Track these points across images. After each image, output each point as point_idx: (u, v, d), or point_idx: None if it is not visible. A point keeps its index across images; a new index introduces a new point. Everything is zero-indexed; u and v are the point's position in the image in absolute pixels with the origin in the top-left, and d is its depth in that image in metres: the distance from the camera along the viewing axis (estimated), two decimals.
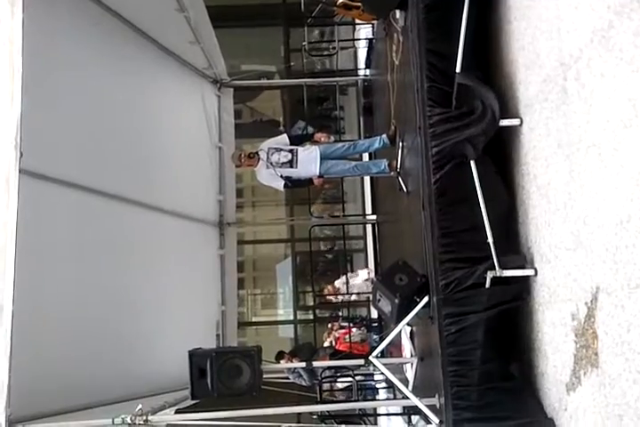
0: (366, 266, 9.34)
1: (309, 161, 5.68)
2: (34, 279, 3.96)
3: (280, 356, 7.11)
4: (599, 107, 2.70)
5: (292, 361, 6.63)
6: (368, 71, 8.16)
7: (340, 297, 8.48)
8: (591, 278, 2.83)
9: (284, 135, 6.03)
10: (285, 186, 5.80)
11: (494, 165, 3.57)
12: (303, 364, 5.16)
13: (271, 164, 5.65)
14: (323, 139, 5.89)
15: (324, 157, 5.71)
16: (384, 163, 5.74)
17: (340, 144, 6.12)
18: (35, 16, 3.80)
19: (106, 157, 5.23)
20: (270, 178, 5.75)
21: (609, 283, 2.68)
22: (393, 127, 5.42)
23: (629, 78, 2.46)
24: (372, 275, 8.27)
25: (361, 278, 8.56)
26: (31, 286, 3.85)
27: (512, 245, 3.56)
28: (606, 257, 2.68)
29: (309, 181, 5.82)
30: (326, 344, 8.44)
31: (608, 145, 2.65)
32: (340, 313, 9.37)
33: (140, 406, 3.61)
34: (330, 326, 8.90)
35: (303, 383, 6.60)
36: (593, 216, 2.80)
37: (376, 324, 8.39)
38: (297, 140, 5.91)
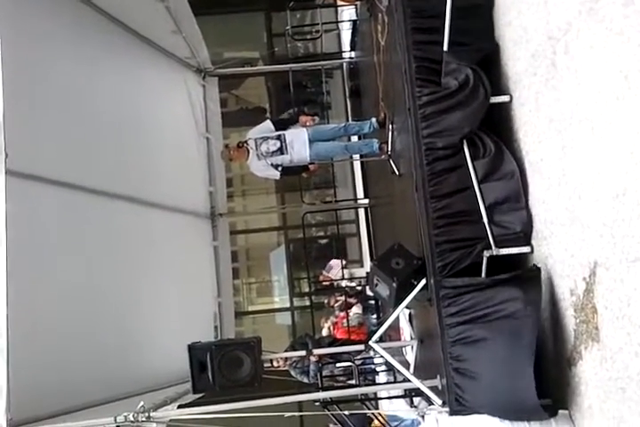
0: (360, 251, 9.31)
1: (299, 145, 5.58)
2: (27, 281, 3.90)
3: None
4: (590, 80, 2.67)
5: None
6: (353, 53, 8.08)
7: (336, 283, 8.46)
8: (589, 253, 2.81)
9: (268, 122, 5.87)
10: (281, 175, 5.69)
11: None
12: (303, 353, 5.12)
13: (262, 154, 5.54)
14: (308, 123, 5.73)
15: (313, 140, 5.62)
16: (375, 143, 5.68)
17: (330, 126, 6.04)
18: (11, 11, 3.72)
19: (92, 153, 5.15)
20: (264, 169, 5.64)
21: (607, 257, 2.66)
22: (382, 114, 5.35)
23: (620, 49, 2.42)
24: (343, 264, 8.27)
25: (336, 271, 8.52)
26: (25, 288, 3.80)
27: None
28: (603, 231, 2.66)
29: (304, 167, 5.75)
30: (324, 331, 8.44)
31: (601, 118, 2.61)
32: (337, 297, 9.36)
33: (141, 402, 3.58)
34: (326, 301, 8.88)
35: (305, 380, 6.54)
36: (588, 191, 2.77)
37: (372, 301, 8.40)
38: (281, 125, 5.77)
